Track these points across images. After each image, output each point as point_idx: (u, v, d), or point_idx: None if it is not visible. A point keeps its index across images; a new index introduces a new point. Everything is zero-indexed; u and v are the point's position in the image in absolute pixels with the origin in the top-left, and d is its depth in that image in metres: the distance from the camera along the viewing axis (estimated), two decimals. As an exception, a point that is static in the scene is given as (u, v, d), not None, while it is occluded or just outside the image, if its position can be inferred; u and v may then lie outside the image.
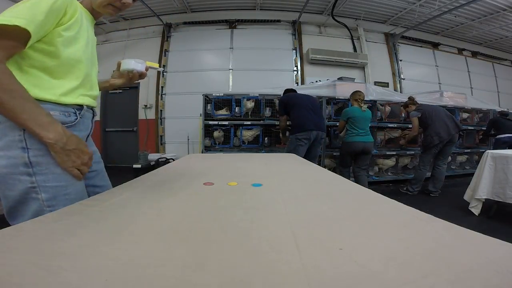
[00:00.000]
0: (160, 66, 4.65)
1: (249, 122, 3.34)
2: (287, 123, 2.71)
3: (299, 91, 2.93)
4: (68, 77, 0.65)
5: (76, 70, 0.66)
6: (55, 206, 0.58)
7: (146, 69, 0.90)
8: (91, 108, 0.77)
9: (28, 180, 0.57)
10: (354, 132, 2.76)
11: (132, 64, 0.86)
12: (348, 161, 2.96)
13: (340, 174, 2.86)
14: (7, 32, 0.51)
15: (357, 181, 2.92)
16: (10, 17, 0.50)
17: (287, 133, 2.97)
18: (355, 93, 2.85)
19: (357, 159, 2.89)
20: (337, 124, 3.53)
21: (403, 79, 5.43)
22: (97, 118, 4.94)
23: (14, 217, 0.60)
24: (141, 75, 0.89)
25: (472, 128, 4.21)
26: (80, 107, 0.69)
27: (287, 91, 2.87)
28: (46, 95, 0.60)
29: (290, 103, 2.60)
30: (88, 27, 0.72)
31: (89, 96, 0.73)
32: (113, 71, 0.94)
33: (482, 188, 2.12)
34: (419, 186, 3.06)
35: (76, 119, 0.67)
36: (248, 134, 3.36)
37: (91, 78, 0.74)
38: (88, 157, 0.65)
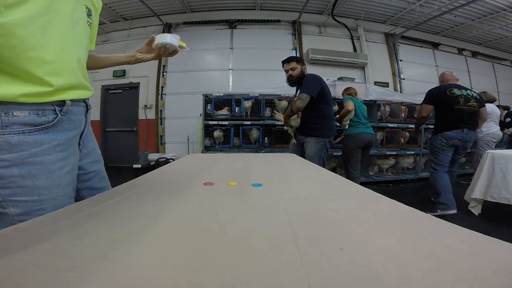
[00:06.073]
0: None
1: (249, 122, 3.34)
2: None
3: None
4: None
5: None
6: None
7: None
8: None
9: None
10: (357, 123, 2.48)
11: (168, 38, 0.85)
12: (356, 160, 2.51)
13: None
14: None
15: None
16: None
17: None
18: (349, 88, 2.76)
19: (362, 155, 2.60)
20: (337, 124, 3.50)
21: (403, 79, 5.43)
22: (97, 118, 5.01)
23: None
24: (174, 51, 0.88)
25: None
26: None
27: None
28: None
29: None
30: None
31: None
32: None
33: (478, 188, 2.11)
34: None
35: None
36: (249, 134, 3.37)
37: None
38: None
